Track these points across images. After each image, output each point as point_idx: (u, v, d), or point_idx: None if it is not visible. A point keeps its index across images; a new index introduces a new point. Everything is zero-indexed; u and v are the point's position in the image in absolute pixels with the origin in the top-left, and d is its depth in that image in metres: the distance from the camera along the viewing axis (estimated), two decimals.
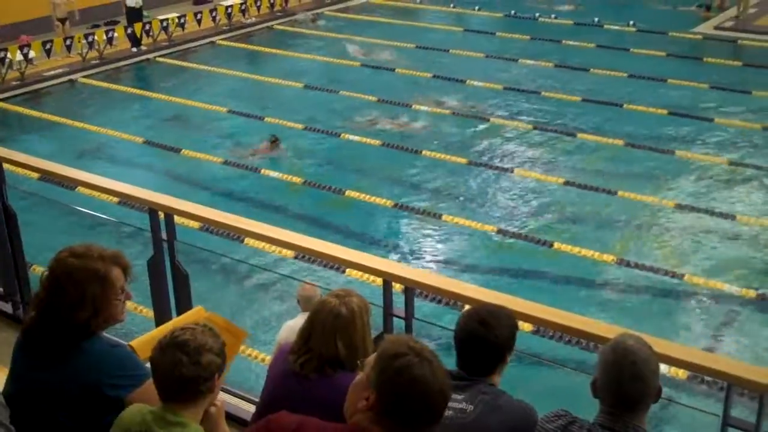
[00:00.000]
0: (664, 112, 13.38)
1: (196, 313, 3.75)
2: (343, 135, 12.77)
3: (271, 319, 8.17)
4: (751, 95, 14.07)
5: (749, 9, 19.33)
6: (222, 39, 18.50)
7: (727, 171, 11.37)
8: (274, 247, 8.23)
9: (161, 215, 4.98)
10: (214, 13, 18.90)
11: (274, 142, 12.25)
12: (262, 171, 11.55)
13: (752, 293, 8.39)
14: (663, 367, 6.69)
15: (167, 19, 17.86)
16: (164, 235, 5.01)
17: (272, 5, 20.39)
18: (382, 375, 2.55)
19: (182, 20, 18.12)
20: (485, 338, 3.28)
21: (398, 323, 4.44)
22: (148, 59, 17.15)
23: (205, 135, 13.27)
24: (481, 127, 13.20)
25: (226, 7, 19.10)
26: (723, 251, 9.34)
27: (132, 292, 3.17)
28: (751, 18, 19.07)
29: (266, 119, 13.50)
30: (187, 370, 2.69)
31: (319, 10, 20.92)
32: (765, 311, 8.18)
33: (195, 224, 7.18)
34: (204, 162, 12.01)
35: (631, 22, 18.51)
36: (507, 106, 14.04)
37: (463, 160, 11.72)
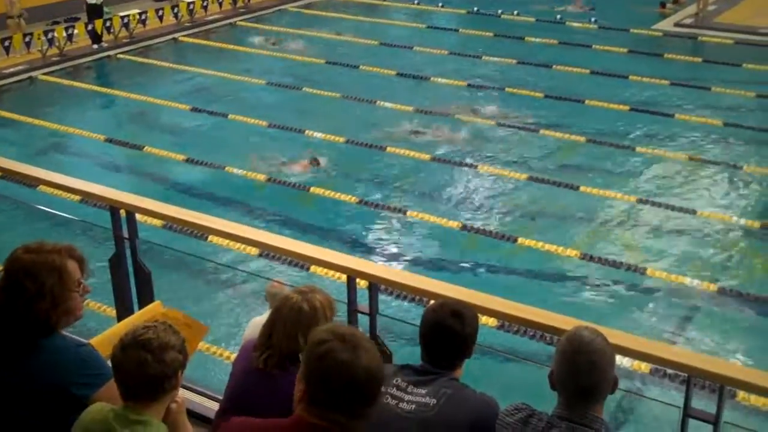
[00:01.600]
0: (626, 108, 13.51)
1: (153, 309, 3.74)
2: (308, 132, 12.73)
3: (234, 316, 8.13)
4: (711, 91, 14.25)
5: (708, 6, 19.57)
6: (184, 36, 18.35)
7: (687, 166, 11.50)
8: (238, 245, 8.18)
9: (122, 213, 4.93)
10: (176, 10, 18.75)
11: (314, 162, 11.53)
12: (227, 168, 11.47)
13: (713, 287, 8.51)
14: (626, 361, 6.83)
15: (128, 16, 17.67)
16: (126, 233, 4.97)
17: (234, 1, 20.26)
18: (307, 363, 2.57)
19: (143, 17, 17.94)
20: (458, 330, 3.31)
21: (363, 320, 4.45)
22: (109, 56, 16.96)
23: (167, 132, 13.16)
24: (445, 123, 13.23)
25: (188, 4, 18.95)
26: (684, 246, 9.46)
27: (91, 287, 3.14)
28: (711, 15, 19.31)
29: (230, 116, 13.43)
30: (152, 369, 2.68)
31: (282, 7, 20.82)
32: (725, 304, 8.29)
33: (159, 222, 7.18)
34: (167, 160, 11.91)
35: (593, 20, 18.66)
36: (470, 103, 14.08)
37: (426, 156, 11.74)
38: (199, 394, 4.83)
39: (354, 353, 2.50)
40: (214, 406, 4.26)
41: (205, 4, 19.35)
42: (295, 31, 18.57)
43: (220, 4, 19.91)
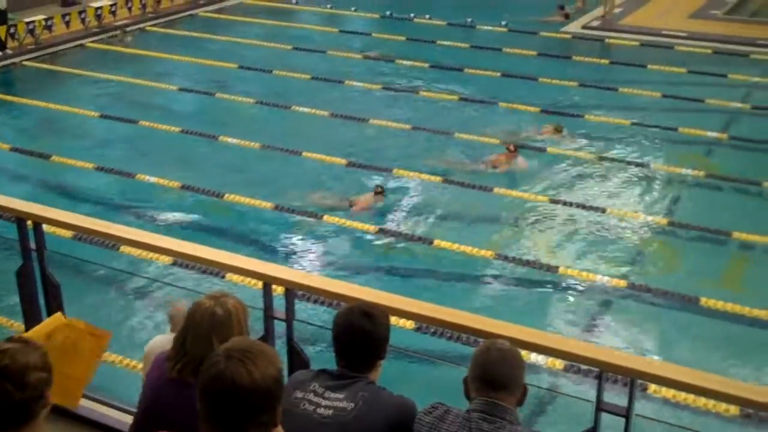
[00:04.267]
0: (537, 110, 13.77)
1: (55, 320, 3.65)
2: (221, 137, 12.59)
3: (147, 325, 8.00)
4: (618, 92, 14.63)
5: (615, 9, 20.09)
6: (92, 42, 17.96)
7: (597, 166, 11.78)
8: (151, 254, 8.05)
9: (29, 224, 4.81)
10: (83, 15, 18.34)
11: (379, 192, 10.64)
12: (138, 176, 11.27)
13: (623, 283, 8.72)
14: (541, 358, 6.92)
15: (33, 22, 17.20)
16: (33, 245, 4.84)
17: (144, 7, 19.92)
18: (198, 380, 2.55)
19: (49, 22, 17.50)
20: (371, 331, 3.33)
21: (280, 326, 4.43)
22: (14, 63, 16.48)
23: (75, 140, 12.86)
24: (360, 127, 13.27)
25: (96, 9, 18.56)
26: (595, 243, 9.67)
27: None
28: (617, 17, 19.83)
29: (140, 122, 13.21)
30: (16, 397, 2.52)
31: (193, 11, 20.57)
32: (635, 299, 8.51)
33: (68, 233, 7.00)
34: (76, 168, 11.63)
35: (503, 23, 18.95)
36: (384, 107, 14.15)
37: (343, 161, 11.74)
38: (110, 406, 4.73)
39: (240, 368, 2.48)
40: (126, 418, 4.18)
41: (113, 9, 18.97)
42: (208, 36, 18.37)
43: (129, 10, 19.55)
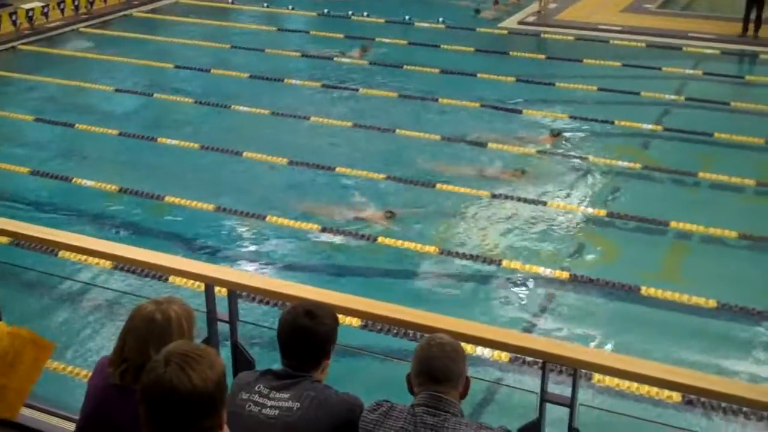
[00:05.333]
0: (477, 105, 13.87)
1: None
2: (160, 139, 12.44)
3: (88, 332, 7.86)
4: (555, 86, 14.80)
5: (550, 4, 20.33)
6: (24, 44, 17.58)
7: (536, 160, 11.90)
8: (91, 259, 7.94)
9: None
10: (14, 17, 17.94)
11: (389, 215, 10.14)
12: (75, 180, 11.07)
13: (565, 274, 8.83)
14: (486, 352, 6.97)
15: None
16: None
17: (77, 8, 19.57)
18: (139, 385, 2.54)
19: None
20: (313, 329, 3.32)
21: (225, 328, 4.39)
22: None
23: (9, 145, 12.58)
24: (301, 125, 13.22)
25: (27, 11, 18.17)
26: (537, 236, 9.78)
27: None
28: (553, 12, 20.06)
29: (76, 126, 12.98)
30: None
31: (127, 12, 20.27)
32: (577, 291, 8.62)
33: (5, 239, 6.86)
34: (11, 174, 11.38)
35: (441, 19, 19.05)
36: (324, 104, 14.12)
37: (284, 160, 11.68)
38: (53, 414, 4.65)
39: (177, 374, 2.46)
40: (67, 425, 4.11)
41: (45, 10, 18.60)
42: (143, 36, 18.12)
43: (62, 11, 19.19)
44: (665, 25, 18.64)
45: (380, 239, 9.52)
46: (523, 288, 8.70)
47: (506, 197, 10.61)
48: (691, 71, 15.82)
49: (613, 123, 13.12)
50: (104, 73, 15.69)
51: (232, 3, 21.56)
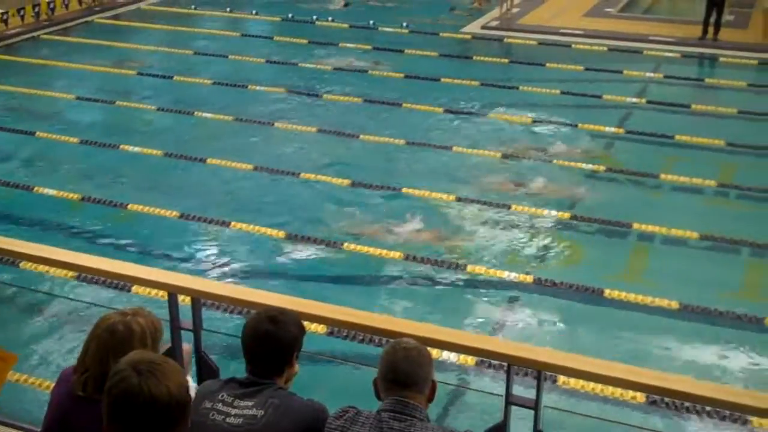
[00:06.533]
0: (440, 110, 13.92)
1: None
2: (123, 146, 12.32)
3: (50, 343, 7.77)
4: (519, 90, 14.90)
5: (513, 8, 20.47)
6: None
7: (500, 164, 11.96)
8: (53, 269, 7.84)
9: None
10: None
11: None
12: (36, 189, 10.94)
13: (529, 278, 8.87)
14: (452, 356, 6.99)
15: None
16: None
17: (37, 14, 19.35)
18: (103, 395, 2.53)
19: None
20: (276, 336, 3.31)
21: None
22: None
23: None
24: (265, 131, 13.18)
25: None
26: (501, 240, 9.82)
27: None
28: (515, 17, 20.20)
29: (37, 134, 12.83)
30: None
31: (89, 18, 20.08)
32: (541, 293, 8.67)
33: None
34: None
35: (404, 24, 19.10)
36: (289, 110, 14.09)
37: (249, 167, 11.63)
38: (13, 427, 4.59)
39: (145, 381, 2.44)
40: None
41: (5, 17, 18.37)
42: (105, 43, 17.97)
43: (22, 18, 18.96)
44: (626, 29, 18.85)
45: (345, 245, 9.51)
46: (488, 292, 8.73)
47: (471, 201, 10.65)
48: (652, 74, 16.00)
49: (576, 126, 13.22)
50: (65, 81, 15.54)
51: (195, 9, 21.44)
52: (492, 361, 6.59)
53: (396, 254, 9.32)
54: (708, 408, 6.36)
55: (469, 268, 9.07)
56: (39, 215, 10.37)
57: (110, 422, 2.49)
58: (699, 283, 8.81)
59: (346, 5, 20.76)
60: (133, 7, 21.44)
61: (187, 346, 4.53)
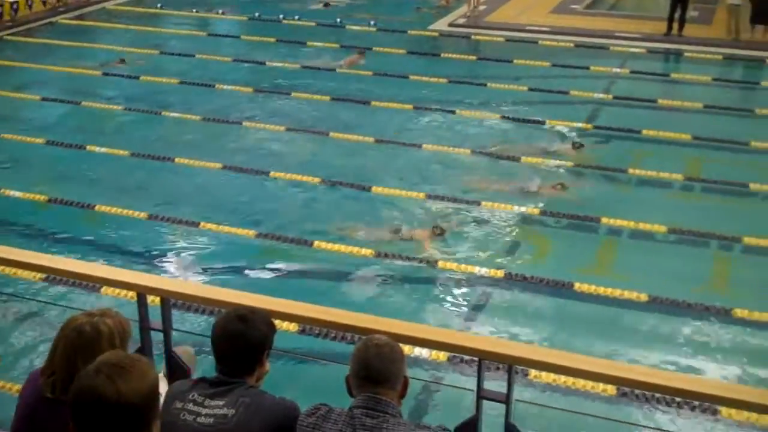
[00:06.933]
0: (410, 107, 13.93)
1: None
2: (89, 147, 12.21)
3: (19, 346, 7.68)
4: (487, 87, 14.95)
5: (479, 6, 20.54)
6: None
7: (469, 160, 11.99)
8: (20, 271, 7.74)
9: None
10: None
11: (438, 230, 9.80)
12: (1, 191, 10.80)
13: (500, 273, 8.90)
14: (425, 352, 7.00)
15: None
16: None
17: (0, 15, 19.10)
18: (68, 396, 2.51)
19: None
20: (245, 334, 3.30)
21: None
22: None
23: None
24: (233, 130, 13.11)
25: None
26: (471, 236, 9.84)
27: None
28: (483, 14, 20.28)
29: (2, 136, 12.66)
30: None
31: (53, 19, 19.88)
32: (512, 289, 8.70)
33: None
34: None
35: (372, 22, 19.10)
36: (257, 109, 14.03)
37: (218, 166, 11.57)
38: None
39: (108, 383, 2.43)
40: None
41: None
42: (70, 43, 17.79)
43: None
44: (592, 26, 19.00)
45: (316, 243, 9.49)
46: (460, 288, 8.74)
47: (439, 198, 10.66)
48: (619, 70, 16.14)
49: (544, 122, 13.29)
50: (30, 82, 15.37)
51: (160, 7, 21.29)
52: (464, 357, 6.61)
53: (367, 251, 9.31)
54: (678, 399, 6.42)
55: (440, 264, 9.09)
56: (5, 217, 10.25)
57: (75, 424, 2.47)
58: (667, 276, 8.89)
59: (326, 5, 20.84)
60: (98, 7, 21.25)
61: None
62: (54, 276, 7.53)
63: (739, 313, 8.16)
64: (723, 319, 8.12)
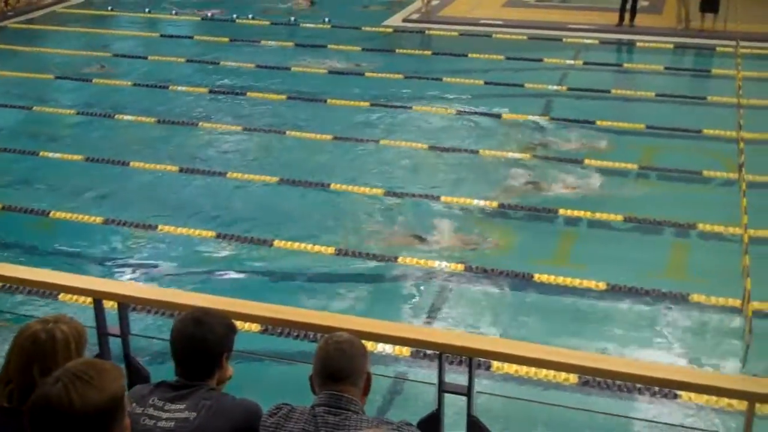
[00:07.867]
0: (366, 104, 13.92)
1: None
2: (42, 153, 12.04)
3: None
4: (443, 82, 15.00)
5: (433, 0, 20.58)
6: None
7: (428, 155, 12.02)
8: None
9: None
10: None
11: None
12: None
13: (461, 267, 8.94)
14: (388, 348, 7.00)
15: None
16: None
17: None
18: (26, 406, 2.48)
19: None
20: (202, 337, 3.27)
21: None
22: None
23: None
24: (189, 132, 13.01)
25: None
26: (431, 231, 9.86)
27: None
28: (436, 9, 20.32)
29: None
30: None
31: (1, 24, 19.56)
32: (472, 282, 8.74)
33: None
34: None
35: (326, 19, 19.07)
36: (213, 110, 13.93)
37: (174, 168, 11.48)
38: None
39: (65, 391, 2.39)
40: None
41: None
42: (20, 48, 17.52)
43: None
44: (545, 18, 19.16)
45: (275, 243, 9.45)
46: (421, 282, 8.76)
47: (399, 194, 10.68)
48: (572, 61, 16.29)
49: (500, 116, 13.37)
50: None
51: (111, 9, 21.04)
52: (427, 351, 6.63)
53: (327, 250, 9.30)
54: (639, 385, 6.50)
55: (401, 259, 9.10)
56: None
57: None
58: (624, 264, 8.99)
59: (312, 4, 20.82)
60: (47, 10, 20.95)
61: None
62: (9, 284, 7.40)
63: (696, 298, 8.28)
64: (681, 304, 8.24)
